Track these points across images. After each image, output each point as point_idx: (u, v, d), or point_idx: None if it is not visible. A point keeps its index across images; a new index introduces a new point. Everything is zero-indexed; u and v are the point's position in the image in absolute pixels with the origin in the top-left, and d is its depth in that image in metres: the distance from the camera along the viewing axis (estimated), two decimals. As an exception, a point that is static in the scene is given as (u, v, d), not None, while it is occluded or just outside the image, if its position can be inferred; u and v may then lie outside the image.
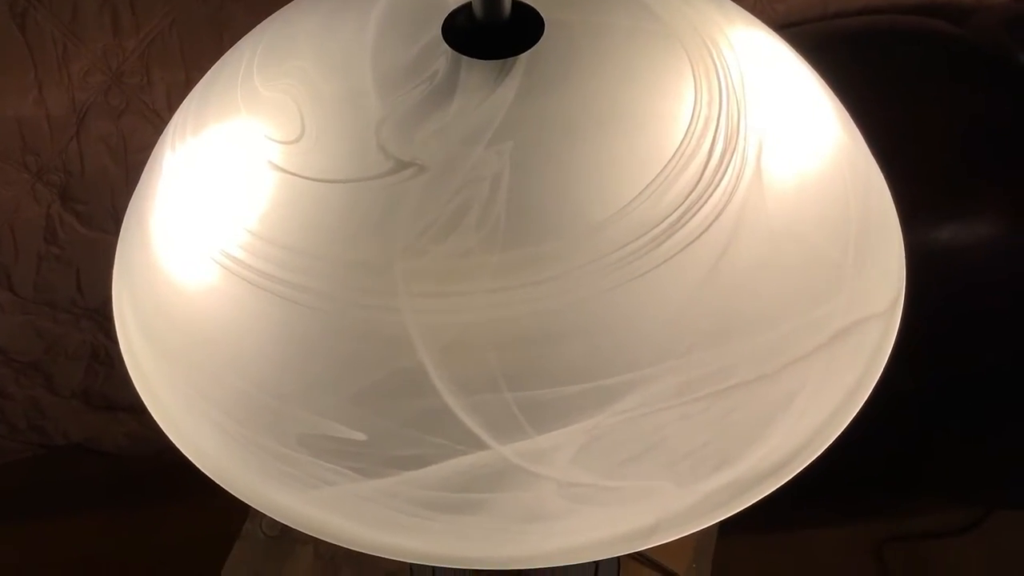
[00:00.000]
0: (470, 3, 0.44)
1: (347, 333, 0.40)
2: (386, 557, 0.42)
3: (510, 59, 0.43)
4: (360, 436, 0.40)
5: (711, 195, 0.40)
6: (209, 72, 0.51)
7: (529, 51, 0.43)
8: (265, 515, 0.88)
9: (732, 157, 0.41)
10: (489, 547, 0.41)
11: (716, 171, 0.41)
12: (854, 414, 0.43)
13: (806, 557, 1.37)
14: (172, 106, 1.15)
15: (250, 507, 0.45)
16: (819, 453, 0.42)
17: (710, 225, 0.40)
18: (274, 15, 0.52)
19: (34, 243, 1.24)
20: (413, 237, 0.39)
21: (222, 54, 0.88)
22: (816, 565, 1.39)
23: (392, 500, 0.41)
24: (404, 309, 0.39)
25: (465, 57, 0.43)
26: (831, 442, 0.43)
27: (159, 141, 0.51)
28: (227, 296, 0.42)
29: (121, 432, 1.52)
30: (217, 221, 0.43)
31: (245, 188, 0.43)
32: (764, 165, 0.42)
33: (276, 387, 0.41)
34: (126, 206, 1.19)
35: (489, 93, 0.42)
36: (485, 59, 0.43)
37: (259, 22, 0.52)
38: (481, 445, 0.39)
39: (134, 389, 0.48)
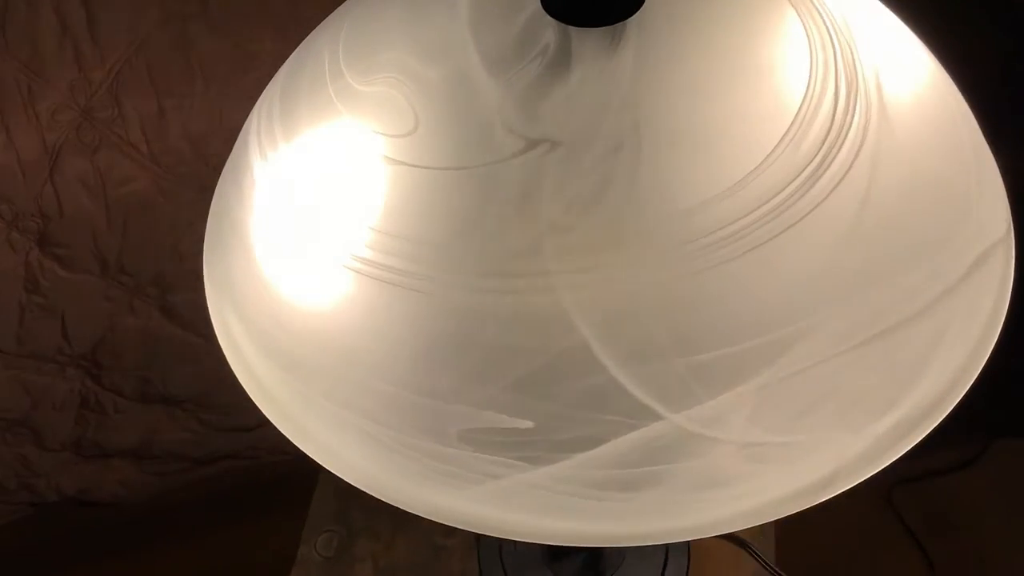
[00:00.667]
0: (565, -28, 0.43)
1: (500, 321, 0.38)
2: (556, 544, 0.41)
3: (619, 25, 0.42)
4: (526, 423, 0.39)
5: (846, 136, 0.40)
6: (280, 77, 0.49)
7: (636, 15, 0.42)
8: (319, 536, 0.86)
9: (857, 96, 0.41)
10: (668, 520, 0.40)
11: (846, 112, 0.40)
12: (995, 341, 0.43)
13: (822, 506, 1.38)
14: (148, 137, 1.11)
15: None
16: (970, 384, 0.42)
17: (851, 165, 0.40)
18: (340, 10, 0.50)
19: (14, 294, 1.20)
20: (559, 213, 0.38)
21: (192, 77, 0.86)
22: (829, 513, 1.41)
23: (565, 485, 0.39)
24: (559, 287, 0.38)
25: (573, 27, 0.42)
26: (979, 372, 0.43)
27: (235, 154, 0.49)
28: (363, 300, 0.40)
29: (115, 480, 1.47)
30: (339, 224, 0.41)
31: (363, 187, 0.42)
32: (886, 100, 0.42)
33: (429, 386, 0.39)
34: (110, 244, 1.15)
35: (607, 61, 0.41)
36: (593, 27, 0.42)
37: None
38: (655, 416, 0.38)
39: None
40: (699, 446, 0.39)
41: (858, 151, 0.40)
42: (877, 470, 0.40)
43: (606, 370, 0.38)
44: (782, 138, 0.39)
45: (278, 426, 0.45)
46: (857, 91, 0.41)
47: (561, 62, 0.41)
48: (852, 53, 0.42)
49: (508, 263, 0.38)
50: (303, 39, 0.51)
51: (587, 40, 0.41)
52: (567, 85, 0.40)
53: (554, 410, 0.38)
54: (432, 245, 0.39)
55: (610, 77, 0.40)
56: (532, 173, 0.39)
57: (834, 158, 0.39)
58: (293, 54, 0.51)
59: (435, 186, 0.40)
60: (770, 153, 0.39)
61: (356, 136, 0.43)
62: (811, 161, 0.39)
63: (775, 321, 0.38)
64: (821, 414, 0.39)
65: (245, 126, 0.50)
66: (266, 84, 0.51)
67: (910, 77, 0.44)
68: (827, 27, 0.43)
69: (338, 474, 0.43)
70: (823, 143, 0.40)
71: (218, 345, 0.47)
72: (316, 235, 0.42)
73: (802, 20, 0.43)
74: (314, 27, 0.51)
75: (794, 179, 0.39)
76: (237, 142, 0.51)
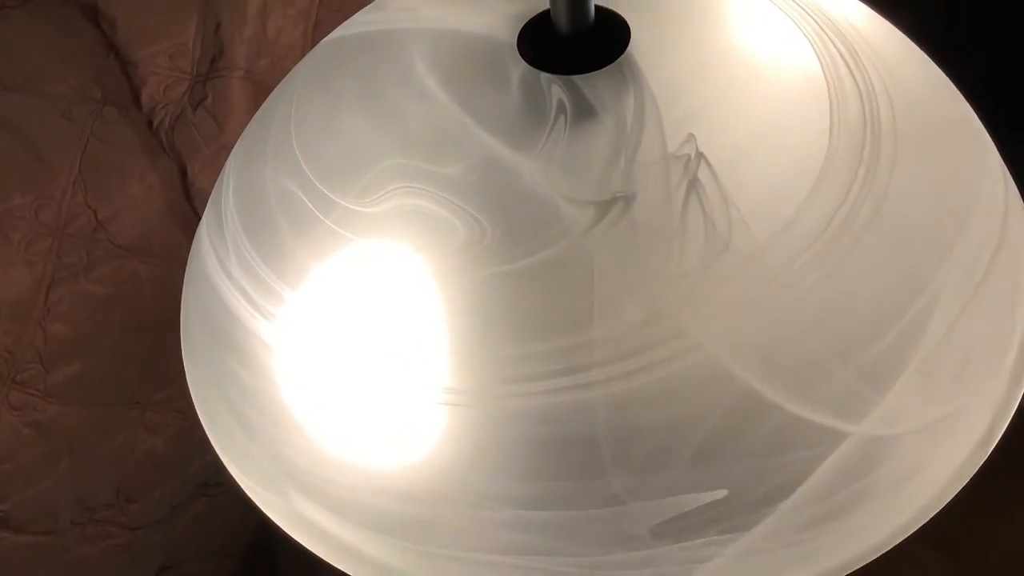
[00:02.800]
0: (536, 22, 0.40)
1: (657, 397, 0.35)
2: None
3: (619, 61, 0.39)
4: (720, 493, 0.35)
5: (879, 122, 0.40)
6: (230, 224, 0.42)
7: (631, 48, 0.40)
8: None
9: (872, 86, 0.41)
10: (877, 531, 0.38)
11: (870, 102, 0.40)
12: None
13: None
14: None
15: None
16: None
17: (894, 159, 0.39)
18: (255, 133, 0.44)
19: None
20: (675, 265, 0.35)
21: None
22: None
23: (775, 540, 0.36)
24: (705, 342, 0.35)
25: (575, 76, 0.39)
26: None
27: (212, 326, 0.42)
28: (483, 431, 0.35)
29: None
30: (414, 361, 0.36)
31: (426, 312, 0.36)
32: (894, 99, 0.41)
33: (601, 493, 0.35)
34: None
35: (629, 99, 0.38)
36: (594, 71, 0.39)
37: None
38: (840, 436, 0.35)
39: None
40: (888, 448, 0.36)
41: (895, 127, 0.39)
42: (1017, 404, 0.40)
43: (780, 407, 0.35)
44: (829, 142, 0.38)
45: None
46: (871, 83, 0.41)
47: (586, 114, 0.38)
48: (856, 52, 0.42)
49: (641, 335, 0.35)
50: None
51: (598, 84, 0.38)
52: (605, 134, 0.37)
53: (741, 469, 0.35)
54: (554, 343, 0.35)
55: (643, 114, 0.38)
56: (623, 235, 0.35)
57: (880, 141, 0.39)
58: (223, 197, 0.44)
59: (523, 282, 0.36)
60: (825, 160, 0.38)
61: (393, 259, 0.37)
62: (861, 158, 0.38)
63: (903, 301, 0.37)
64: (970, 369, 0.38)
65: (202, 294, 0.42)
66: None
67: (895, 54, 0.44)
68: (825, 32, 0.42)
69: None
70: (864, 135, 0.39)
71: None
72: (388, 382, 0.36)
73: (800, 29, 0.42)
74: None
75: (858, 168, 0.38)
76: (190, 319, 0.43)
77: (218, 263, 0.42)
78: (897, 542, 0.38)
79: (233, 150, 0.46)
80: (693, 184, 0.36)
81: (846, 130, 0.39)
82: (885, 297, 0.37)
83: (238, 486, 0.42)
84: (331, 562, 0.39)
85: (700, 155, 0.37)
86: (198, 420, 0.43)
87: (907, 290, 0.37)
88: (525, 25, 0.41)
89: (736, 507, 0.35)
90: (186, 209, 1.04)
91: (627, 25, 0.40)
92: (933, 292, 0.37)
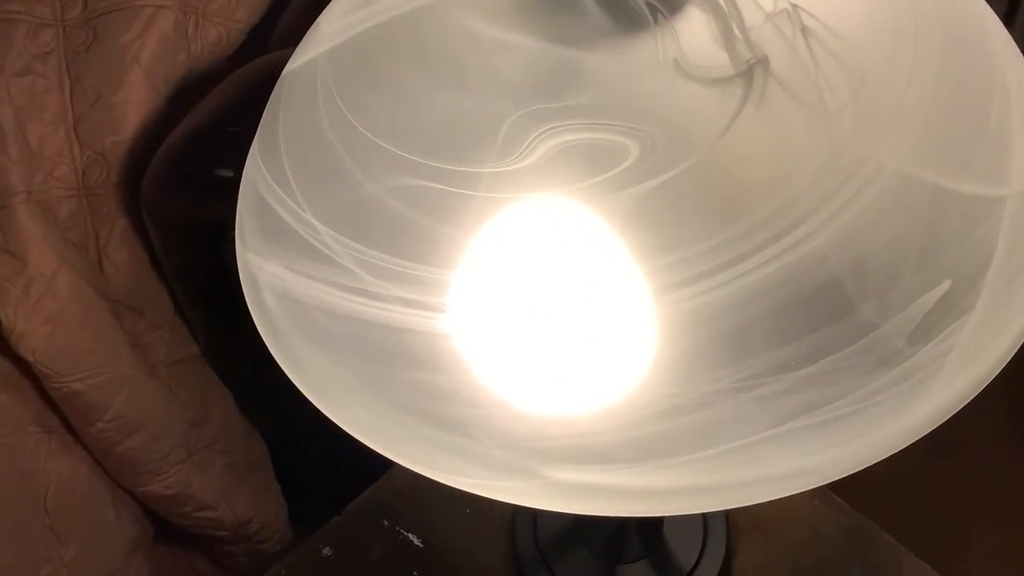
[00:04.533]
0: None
1: (867, 224, 0.37)
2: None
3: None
4: (946, 285, 0.38)
5: None
6: (351, 244, 0.40)
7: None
8: None
9: None
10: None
11: None
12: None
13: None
14: None
15: None
16: None
17: None
18: (297, 170, 0.42)
19: None
20: (834, 100, 0.38)
21: None
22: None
23: (992, 309, 0.39)
24: (885, 161, 0.37)
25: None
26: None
27: (395, 340, 0.39)
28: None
29: None
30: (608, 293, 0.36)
31: (606, 243, 0.37)
32: None
33: (859, 323, 0.37)
34: None
35: None
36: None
37: None
38: (1003, 200, 0.39)
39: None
40: None
41: None
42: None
43: (958, 192, 0.38)
44: None
45: None
46: None
47: (677, 4, 0.39)
48: None
49: (831, 176, 0.37)
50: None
51: None
52: (706, 16, 0.39)
53: (953, 256, 0.38)
54: (761, 213, 0.36)
55: None
56: (775, 94, 0.37)
57: None
58: (311, 239, 0.41)
59: (712, 169, 0.37)
60: None
61: (560, 204, 0.37)
62: None
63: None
64: None
65: (352, 333, 0.40)
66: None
67: None
68: None
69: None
70: None
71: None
72: (585, 324, 0.36)
73: None
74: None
75: None
76: (342, 367, 0.40)
77: (352, 292, 0.40)
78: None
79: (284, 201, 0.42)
80: (805, 31, 0.38)
81: None
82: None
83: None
84: (620, 515, 0.38)
85: (795, 6, 0.39)
86: None
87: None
88: None
89: (960, 291, 0.38)
90: (9, 368, 0.93)
91: None
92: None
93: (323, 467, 1.09)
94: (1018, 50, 0.44)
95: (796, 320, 0.36)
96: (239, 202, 0.46)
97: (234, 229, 0.46)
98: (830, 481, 0.37)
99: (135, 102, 0.96)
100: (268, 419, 1.11)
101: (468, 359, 0.38)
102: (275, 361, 0.42)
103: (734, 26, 0.38)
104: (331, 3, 0.48)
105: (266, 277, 0.43)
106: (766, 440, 0.37)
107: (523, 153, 0.38)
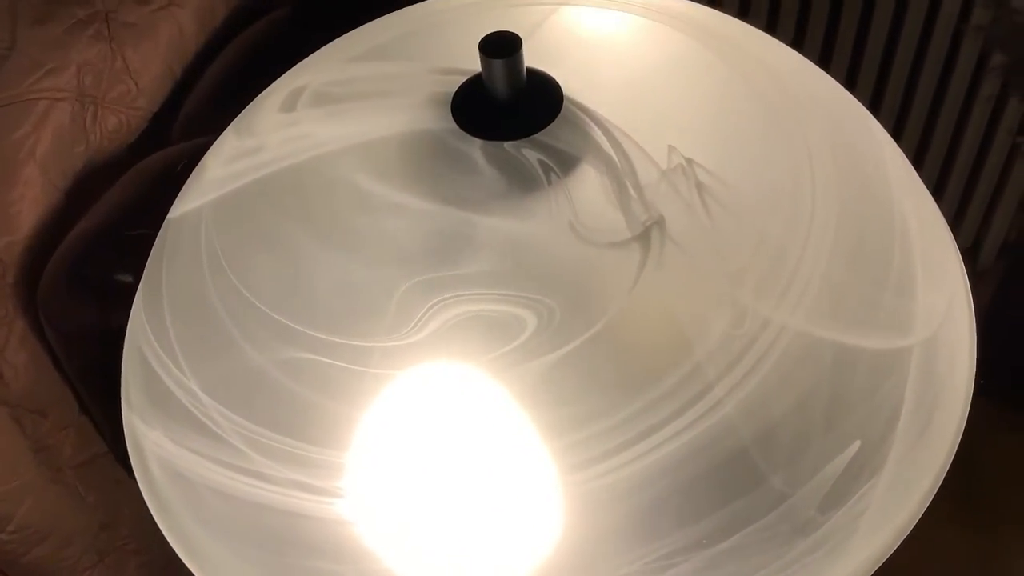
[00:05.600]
0: (461, 101, 0.40)
1: (772, 388, 0.36)
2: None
3: (566, 109, 0.39)
4: (855, 446, 0.37)
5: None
6: (236, 421, 0.38)
7: (567, 95, 0.40)
8: None
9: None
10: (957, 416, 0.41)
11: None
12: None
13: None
14: None
15: None
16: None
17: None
18: (181, 332, 0.40)
19: None
20: (734, 259, 0.37)
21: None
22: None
23: (903, 462, 0.38)
24: (787, 321, 0.37)
25: (537, 136, 0.39)
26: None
27: (290, 527, 0.37)
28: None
29: None
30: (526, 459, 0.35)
31: (511, 417, 0.35)
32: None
33: (770, 493, 0.36)
34: None
35: (602, 137, 0.39)
36: (550, 124, 0.39)
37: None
38: (908, 350, 0.39)
39: None
40: (936, 343, 0.40)
41: None
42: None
43: (862, 348, 0.38)
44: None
45: None
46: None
47: (571, 164, 0.38)
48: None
49: (737, 338, 0.36)
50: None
51: (562, 135, 0.39)
52: (600, 175, 0.38)
53: (860, 415, 0.38)
54: (669, 381, 0.35)
55: (619, 145, 0.39)
56: (673, 256, 0.36)
57: None
58: (195, 407, 0.39)
59: (613, 339, 0.35)
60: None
61: (456, 374, 0.36)
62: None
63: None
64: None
65: (237, 520, 0.37)
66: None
67: None
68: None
69: None
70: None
71: None
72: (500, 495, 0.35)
73: None
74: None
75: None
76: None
77: (241, 473, 0.38)
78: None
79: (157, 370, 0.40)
80: (700, 188, 0.37)
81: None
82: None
83: None
84: None
85: (690, 160, 0.38)
86: None
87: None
88: (453, 106, 0.40)
89: (869, 451, 0.37)
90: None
91: (553, 78, 0.40)
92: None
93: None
94: (915, 175, 0.44)
95: (707, 494, 0.35)
96: (124, 357, 0.44)
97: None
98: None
99: (31, 199, 0.92)
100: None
101: (371, 547, 0.36)
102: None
103: (628, 184, 0.37)
104: (218, 142, 0.46)
105: (151, 447, 0.40)
106: None
107: (416, 326, 0.36)
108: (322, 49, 0.47)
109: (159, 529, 1.04)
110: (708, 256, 0.37)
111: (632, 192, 0.37)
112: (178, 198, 0.45)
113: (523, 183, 0.38)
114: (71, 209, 0.95)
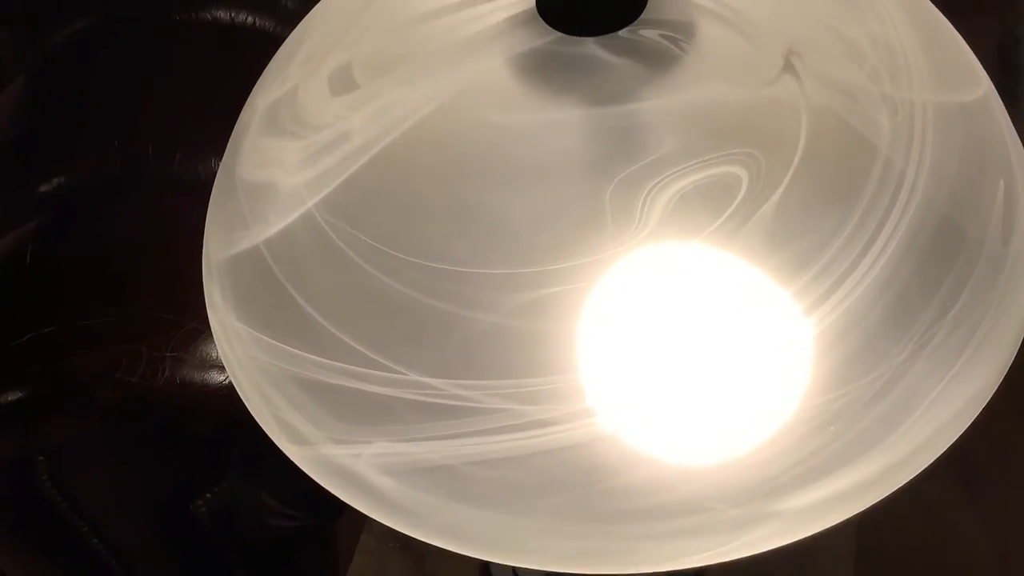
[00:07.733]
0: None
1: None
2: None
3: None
4: None
5: None
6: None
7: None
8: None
9: None
10: None
11: None
12: None
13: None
14: None
15: None
16: None
17: None
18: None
19: None
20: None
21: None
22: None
23: None
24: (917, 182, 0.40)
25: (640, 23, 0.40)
26: None
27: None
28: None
29: None
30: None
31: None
32: None
33: None
34: None
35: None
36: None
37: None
38: None
39: None
40: None
41: None
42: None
43: None
44: None
45: None
46: None
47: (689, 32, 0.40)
48: None
49: None
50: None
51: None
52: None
53: None
54: None
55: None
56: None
57: None
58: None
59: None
60: None
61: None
62: None
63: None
64: None
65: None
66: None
67: None
68: None
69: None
70: None
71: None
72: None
73: None
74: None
75: None
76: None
77: (515, 431, 0.37)
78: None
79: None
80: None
81: None
82: None
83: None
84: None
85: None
86: None
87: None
88: (543, 15, 0.39)
89: (1010, 186, 0.42)
90: None
91: None
92: None
93: None
94: None
95: (933, 268, 0.38)
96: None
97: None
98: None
99: None
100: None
101: (646, 450, 0.36)
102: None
103: (747, 29, 0.39)
104: (257, 162, 0.43)
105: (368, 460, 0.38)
106: (951, 380, 0.38)
107: (642, 221, 0.36)
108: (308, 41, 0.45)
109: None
110: (844, 65, 0.39)
111: (754, 32, 0.39)
112: (254, 220, 0.42)
113: (659, 61, 0.38)
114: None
